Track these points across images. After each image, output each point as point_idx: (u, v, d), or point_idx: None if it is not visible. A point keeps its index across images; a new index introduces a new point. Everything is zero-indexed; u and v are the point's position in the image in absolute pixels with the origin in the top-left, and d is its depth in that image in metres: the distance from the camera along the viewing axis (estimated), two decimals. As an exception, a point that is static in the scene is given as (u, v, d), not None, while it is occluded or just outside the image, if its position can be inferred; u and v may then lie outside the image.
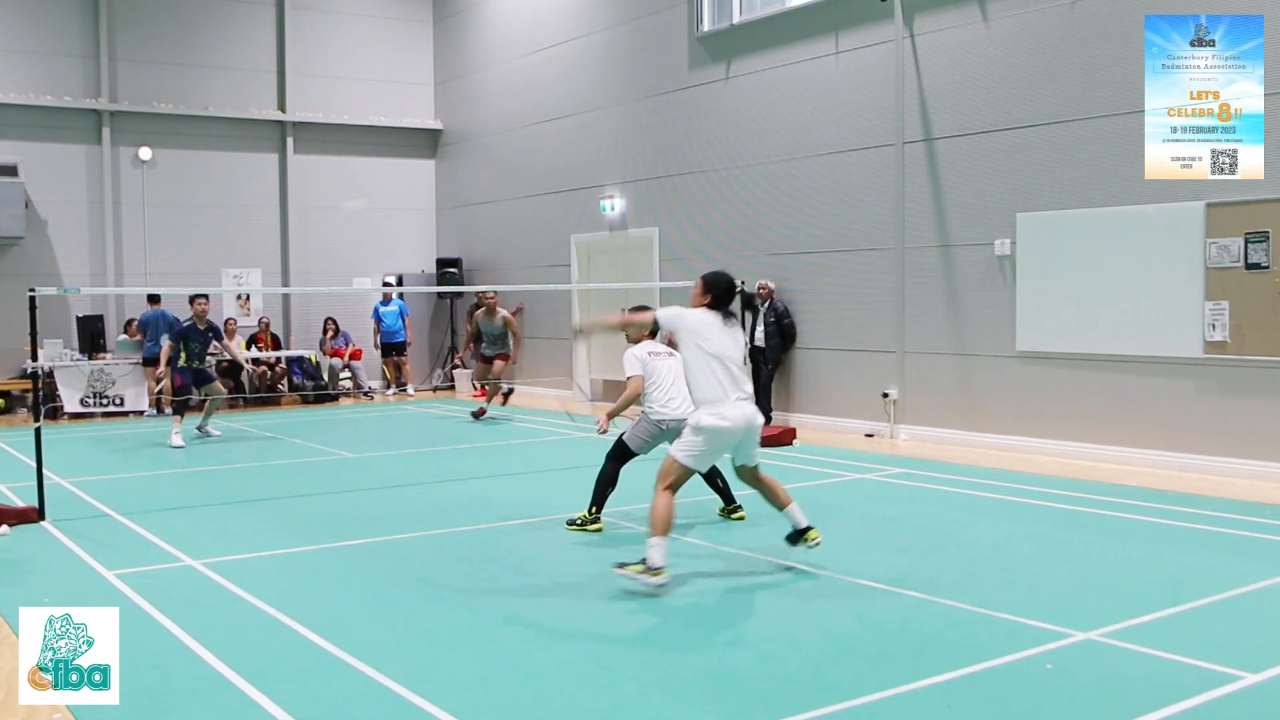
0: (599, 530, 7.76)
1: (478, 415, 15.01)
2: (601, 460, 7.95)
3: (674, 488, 6.31)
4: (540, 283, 17.55)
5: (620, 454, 7.81)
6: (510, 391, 15.68)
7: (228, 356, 17.16)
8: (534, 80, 18.25)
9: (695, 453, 6.30)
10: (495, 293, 15.50)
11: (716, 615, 5.90)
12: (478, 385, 15.77)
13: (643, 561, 6.16)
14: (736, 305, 7.57)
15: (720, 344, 6.32)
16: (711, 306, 6.46)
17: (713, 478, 8.00)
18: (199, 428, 13.38)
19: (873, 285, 12.88)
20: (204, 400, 13.21)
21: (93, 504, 9.20)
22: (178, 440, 12.60)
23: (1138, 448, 10.44)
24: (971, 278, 11.85)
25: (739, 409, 6.29)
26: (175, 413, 12.90)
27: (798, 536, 6.62)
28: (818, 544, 6.58)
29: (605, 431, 7.96)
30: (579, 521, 7.84)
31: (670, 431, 7.55)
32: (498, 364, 15.08)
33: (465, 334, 18.91)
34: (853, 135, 13.04)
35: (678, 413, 7.48)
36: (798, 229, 13.73)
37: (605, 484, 7.81)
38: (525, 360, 18.80)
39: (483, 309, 15.28)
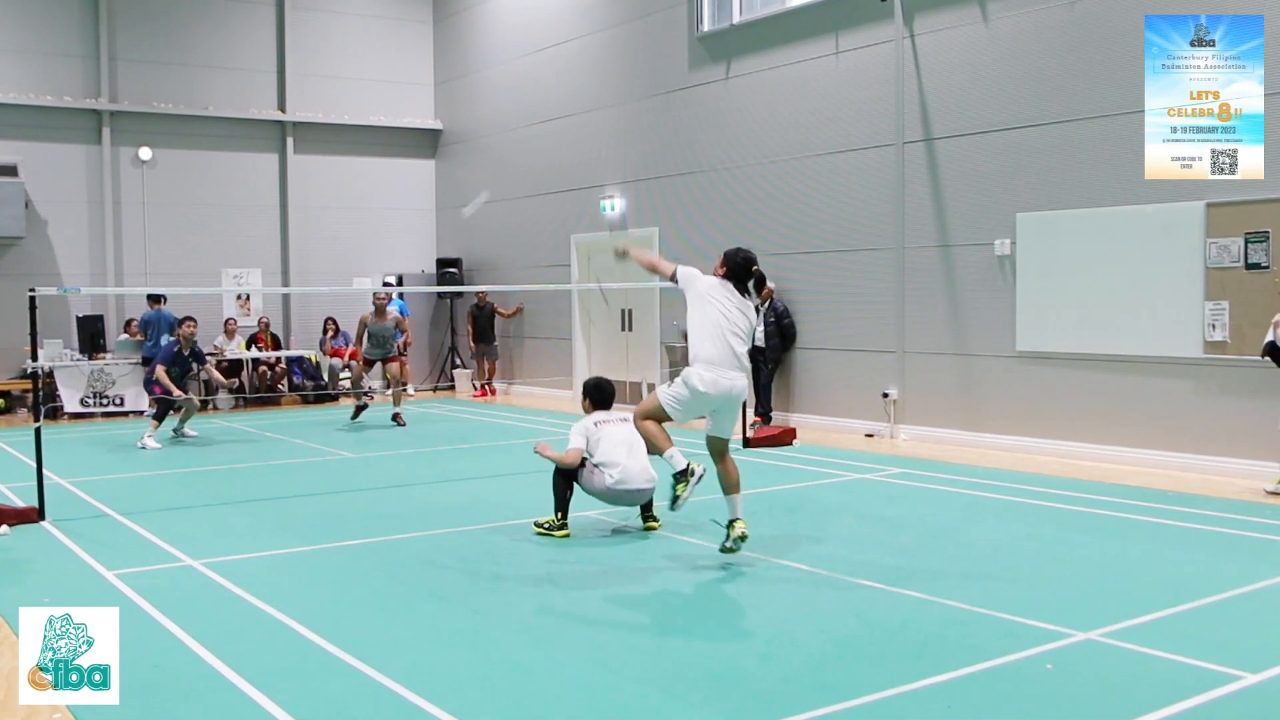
0: (566, 535, 7.64)
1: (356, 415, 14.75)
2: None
3: (654, 419, 6.68)
4: (540, 283, 17.55)
5: (566, 473, 7.73)
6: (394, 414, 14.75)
7: (227, 358, 17.25)
8: (534, 80, 18.24)
9: (678, 403, 6.63)
10: (387, 293, 15.21)
11: (717, 615, 5.90)
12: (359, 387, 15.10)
13: (680, 474, 6.46)
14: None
15: (725, 310, 6.66)
16: (726, 278, 6.79)
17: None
18: (175, 429, 13.47)
19: (873, 285, 12.88)
20: (182, 407, 13.35)
21: (93, 504, 9.20)
22: (150, 443, 12.81)
23: (1138, 448, 10.44)
24: (971, 278, 11.85)
25: (728, 379, 6.61)
26: (154, 417, 13.06)
27: (728, 524, 6.80)
28: (741, 537, 6.69)
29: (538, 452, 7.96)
30: (545, 526, 7.72)
31: (606, 495, 7.63)
32: (392, 366, 14.81)
33: (467, 333, 19.01)
34: (853, 135, 13.04)
35: (614, 478, 7.52)
36: (798, 229, 13.72)
37: (561, 489, 7.71)
38: (526, 360, 18.85)
39: (373, 309, 14.85)
